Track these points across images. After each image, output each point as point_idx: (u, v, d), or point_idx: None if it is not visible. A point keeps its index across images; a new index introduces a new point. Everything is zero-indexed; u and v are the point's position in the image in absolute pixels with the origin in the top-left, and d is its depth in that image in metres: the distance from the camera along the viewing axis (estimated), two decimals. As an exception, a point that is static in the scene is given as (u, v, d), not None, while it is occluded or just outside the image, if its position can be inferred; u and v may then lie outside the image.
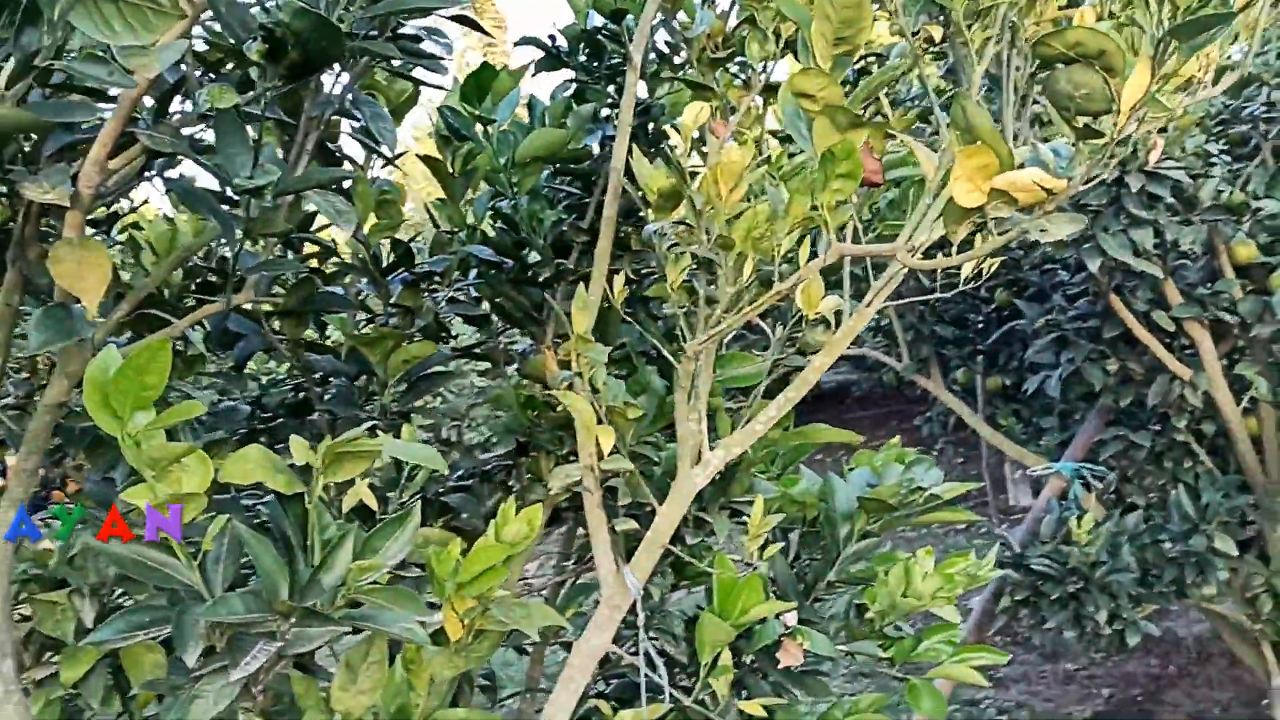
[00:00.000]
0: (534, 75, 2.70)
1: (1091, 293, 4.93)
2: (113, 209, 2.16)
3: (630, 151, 2.03)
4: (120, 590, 1.76)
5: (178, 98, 1.60)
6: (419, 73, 2.08)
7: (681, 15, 2.42)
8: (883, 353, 6.22)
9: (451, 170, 2.57)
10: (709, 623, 1.93)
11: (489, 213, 2.67)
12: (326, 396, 2.45)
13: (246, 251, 1.92)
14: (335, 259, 2.54)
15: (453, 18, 1.96)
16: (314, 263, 2.53)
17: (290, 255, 2.41)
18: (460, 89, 2.40)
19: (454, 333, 2.77)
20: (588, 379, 1.99)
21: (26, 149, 1.50)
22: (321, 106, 1.57)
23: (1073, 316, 4.96)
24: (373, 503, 1.78)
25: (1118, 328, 4.74)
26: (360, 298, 2.64)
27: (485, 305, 2.73)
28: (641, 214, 2.47)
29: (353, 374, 2.42)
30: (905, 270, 1.83)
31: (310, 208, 2.13)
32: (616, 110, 2.69)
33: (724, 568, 1.99)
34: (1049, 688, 6.96)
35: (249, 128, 1.50)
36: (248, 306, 2.18)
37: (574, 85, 2.71)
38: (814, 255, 1.84)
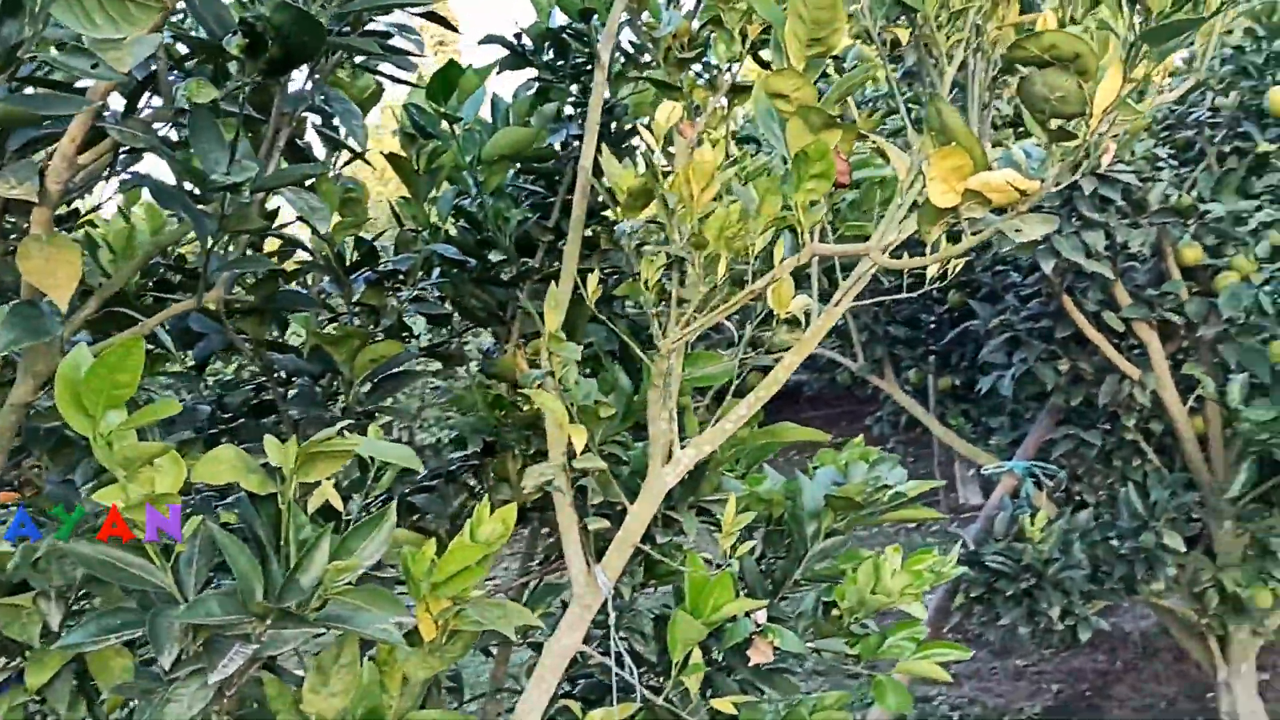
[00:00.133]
0: (499, 74, 2.69)
1: (1044, 294, 5.00)
2: (73, 206, 2.12)
3: (600, 150, 2.03)
4: (83, 592, 1.72)
5: (145, 94, 1.58)
6: (383, 69, 2.07)
7: (646, 15, 2.42)
8: (838, 353, 6.27)
9: (416, 168, 2.55)
10: (682, 621, 1.93)
11: (452, 211, 2.66)
12: (289, 396, 2.42)
13: (209, 251, 1.90)
14: (296, 258, 2.51)
15: (422, 14, 1.95)
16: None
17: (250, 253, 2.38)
18: (427, 86, 2.38)
19: (414, 333, 2.75)
20: (559, 378, 1.99)
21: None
22: (294, 102, 1.55)
23: (1025, 317, 5.03)
24: (338, 503, 1.77)
25: (1069, 328, 4.82)
26: (321, 296, 2.61)
27: (446, 305, 2.71)
28: (605, 213, 2.47)
29: (316, 373, 2.40)
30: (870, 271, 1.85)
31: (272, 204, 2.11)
32: (580, 109, 2.69)
33: (696, 566, 2.00)
34: (1000, 684, 7.05)
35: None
36: (211, 305, 2.16)
37: (537, 84, 2.70)
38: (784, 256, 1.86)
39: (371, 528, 1.53)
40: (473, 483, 2.61)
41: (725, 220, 1.77)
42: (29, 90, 1.50)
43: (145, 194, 2.04)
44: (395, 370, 2.41)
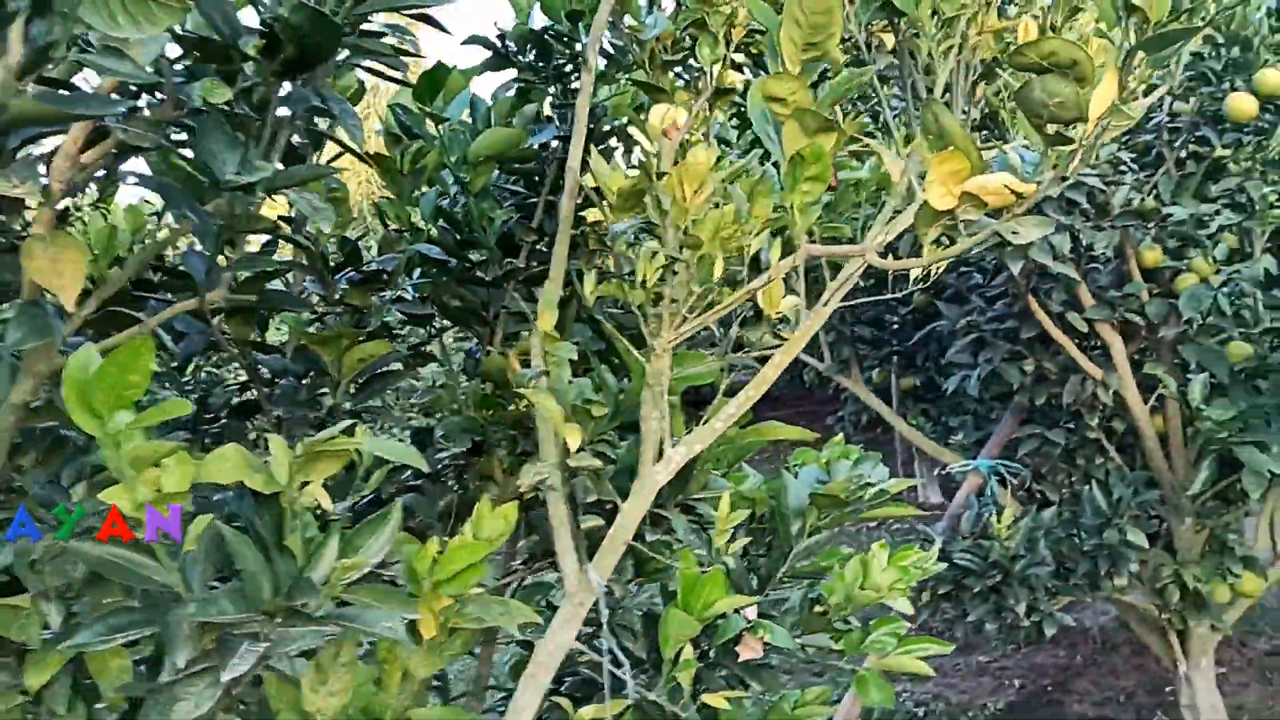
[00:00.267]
0: (479, 74, 2.70)
1: (1010, 295, 5.08)
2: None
3: (587, 151, 2.04)
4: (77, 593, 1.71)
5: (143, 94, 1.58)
6: (379, 68, 2.07)
7: (629, 18, 2.44)
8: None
9: (400, 169, 2.55)
10: (674, 617, 1.95)
11: (434, 212, 2.66)
12: (273, 396, 2.41)
13: (196, 251, 1.89)
14: (279, 257, 2.50)
15: (414, 16, 1.96)
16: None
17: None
18: (415, 87, 2.39)
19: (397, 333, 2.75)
20: (553, 377, 2.00)
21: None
22: (297, 102, 1.56)
23: (991, 318, 5.11)
24: (327, 503, 1.77)
25: (1034, 329, 4.90)
26: (303, 296, 2.60)
27: (427, 305, 2.71)
28: (583, 214, 2.49)
29: (301, 373, 2.39)
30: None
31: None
32: (561, 111, 2.70)
33: (688, 563, 2.02)
34: (963, 680, 7.14)
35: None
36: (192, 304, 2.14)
37: (518, 85, 2.71)
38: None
39: (376, 526, 1.53)
40: (453, 484, 2.61)
41: (720, 221, 1.79)
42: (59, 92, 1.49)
43: (121, 194, 2.03)
44: (382, 370, 2.41)
